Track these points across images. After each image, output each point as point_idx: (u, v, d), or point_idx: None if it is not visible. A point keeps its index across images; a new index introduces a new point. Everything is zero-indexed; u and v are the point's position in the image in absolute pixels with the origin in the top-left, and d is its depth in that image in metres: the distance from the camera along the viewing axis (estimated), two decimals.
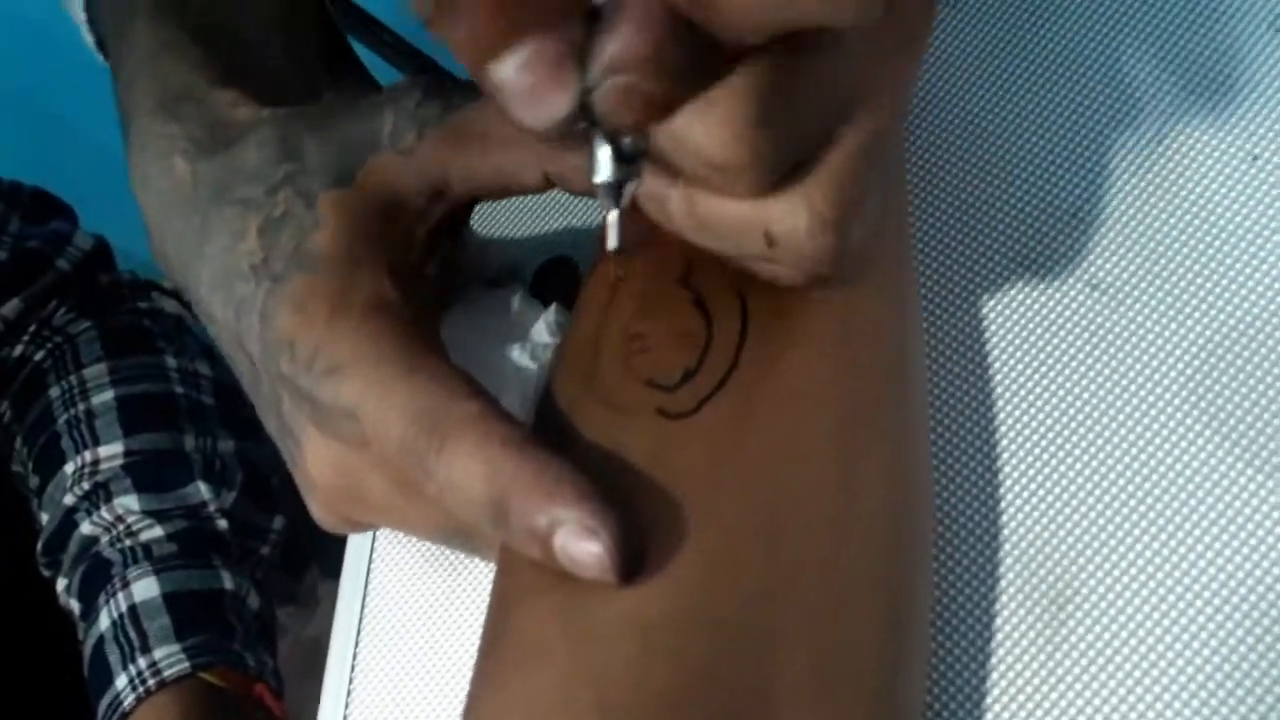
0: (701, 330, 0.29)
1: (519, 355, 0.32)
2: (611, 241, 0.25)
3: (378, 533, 0.40)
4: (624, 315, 0.30)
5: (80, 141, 0.78)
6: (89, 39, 0.40)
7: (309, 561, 0.90)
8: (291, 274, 0.30)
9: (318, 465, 0.31)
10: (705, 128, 0.22)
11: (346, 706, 0.38)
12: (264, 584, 0.68)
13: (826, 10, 0.20)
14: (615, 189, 0.23)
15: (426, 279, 0.34)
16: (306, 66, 0.40)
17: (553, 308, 0.34)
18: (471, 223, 0.38)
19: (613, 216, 0.25)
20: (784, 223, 0.24)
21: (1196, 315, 0.30)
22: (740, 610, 0.26)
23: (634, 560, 0.25)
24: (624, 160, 0.23)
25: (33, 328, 0.69)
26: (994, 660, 0.29)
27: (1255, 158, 0.31)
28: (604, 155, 0.23)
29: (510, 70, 0.21)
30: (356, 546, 0.40)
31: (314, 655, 0.63)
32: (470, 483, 0.27)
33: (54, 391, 0.68)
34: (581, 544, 0.25)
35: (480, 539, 0.31)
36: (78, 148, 0.76)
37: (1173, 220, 0.32)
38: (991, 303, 0.33)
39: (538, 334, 0.33)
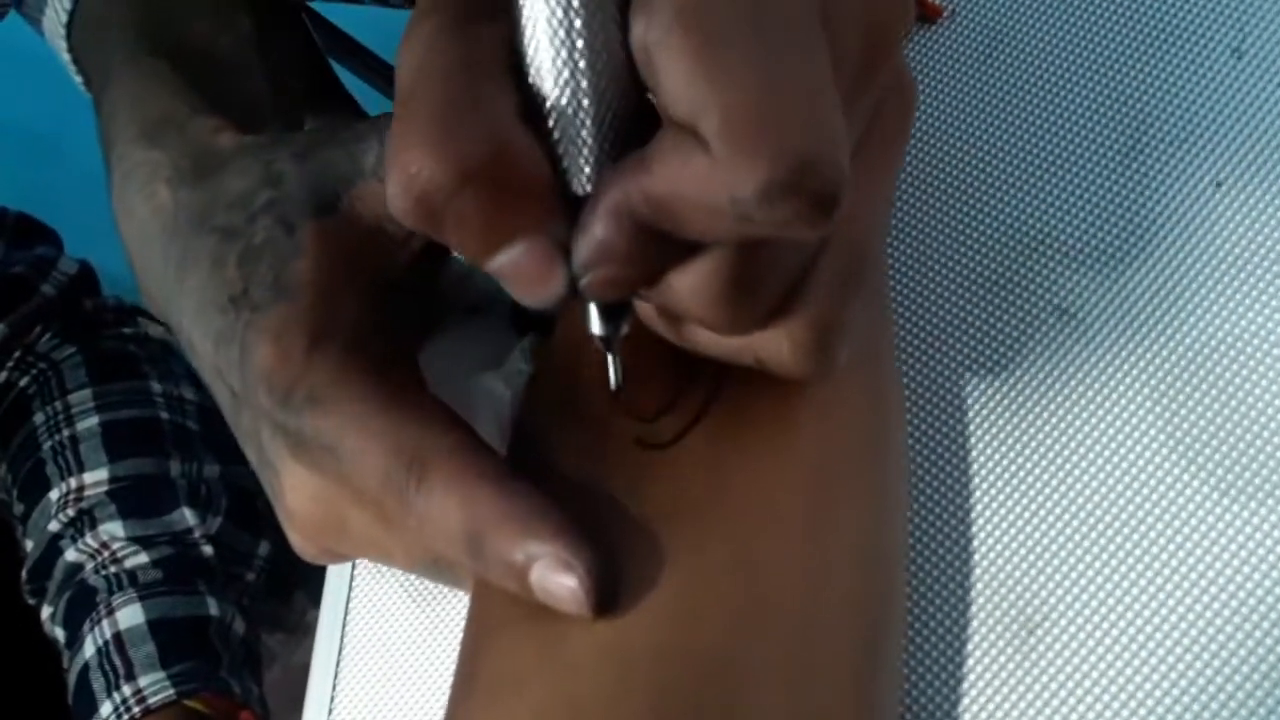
0: (681, 364, 0.29)
1: (493, 382, 0.32)
2: (612, 381, 0.27)
3: (357, 563, 0.40)
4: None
5: (68, 165, 0.78)
6: (75, 77, 0.40)
7: (296, 587, 0.90)
8: (270, 304, 0.30)
9: (297, 498, 0.31)
10: (684, 295, 0.24)
11: None
12: (250, 610, 0.68)
13: (783, 231, 0.22)
14: (611, 338, 0.26)
15: (406, 307, 0.34)
16: (289, 95, 0.40)
17: (530, 337, 0.35)
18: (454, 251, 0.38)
19: (610, 360, 0.27)
20: (769, 350, 0.26)
21: (1163, 340, 0.31)
22: (717, 641, 0.26)
23: (609, 594, 0.26)
24: (614, 315, 0.25)
25: (17, 354, 0.69)
26: (965, 685, 0.29)
27: (1219, 184, 0.32)
28: (595, 314, 0.25)
29: (504, 263, 0.23)
30: (336, 575, 0.40)
31: (303, 682, 0.63)
32: (447, 516, 0.27)
33: (38, 418, 0.68)
34: (557, 578, 0.25)
35: (460, 572, 0.31)
36: (65, 171, 0.77)
37: (1139, 246, 0.32)
38: (961, 329, 0.33)
39: (514, 361, 0.33)
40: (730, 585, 0.26)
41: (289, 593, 0.89)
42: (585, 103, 0.22)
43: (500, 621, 0.27)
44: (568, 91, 0.22)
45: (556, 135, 0.23)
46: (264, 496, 0.68)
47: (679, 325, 0.27)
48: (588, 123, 0.23)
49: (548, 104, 0.23)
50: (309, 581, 0.87)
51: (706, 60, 0.20)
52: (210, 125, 0.34)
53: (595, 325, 0.25)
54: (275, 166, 0.32)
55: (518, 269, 0.23)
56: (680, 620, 0.26)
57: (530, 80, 0.23)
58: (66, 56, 0.39)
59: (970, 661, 0.30)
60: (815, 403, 0.29)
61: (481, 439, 0.28)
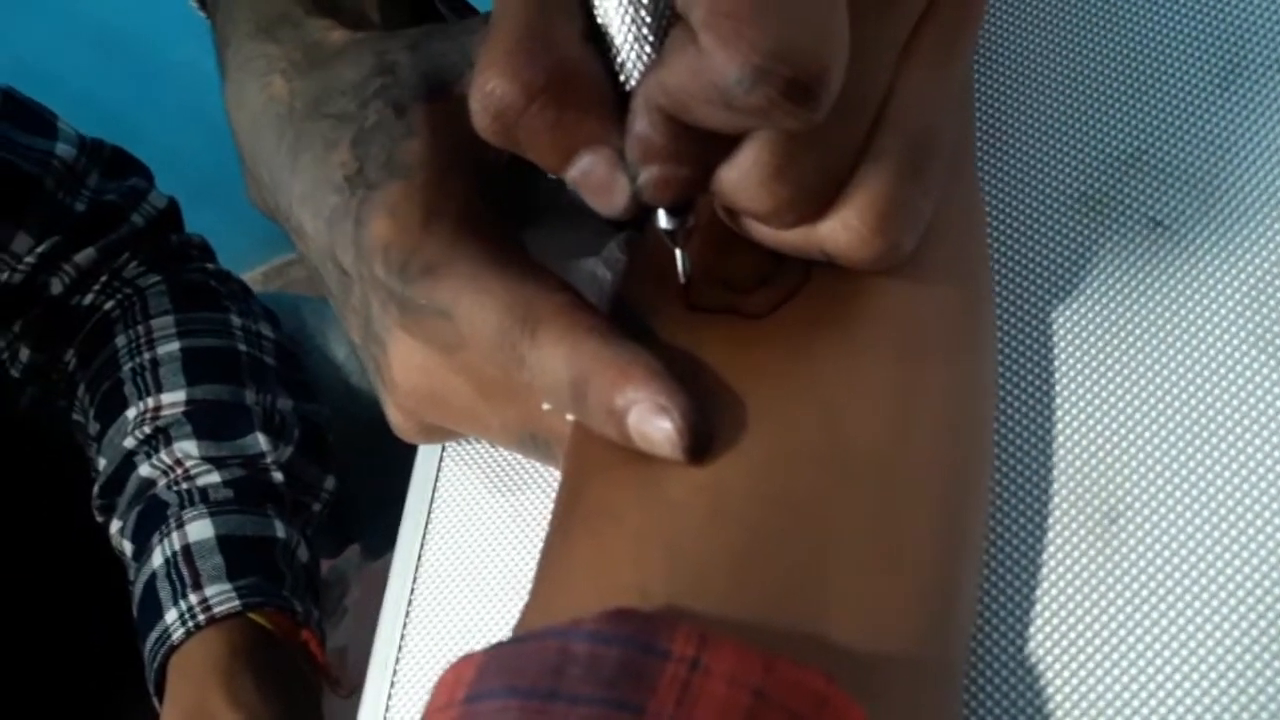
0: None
1: (594, 264, 0.34)
2: (680, 274, 0.29)
3: (444, 455, 0.41)
4: (704, 223, 0.31)
5: (144, 145, 0.81)
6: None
7: (354, 537, 0.91)
8: (385, 181, 0.31)
9: (403, 369, 0.32)
10: (730, 188, 0.26)
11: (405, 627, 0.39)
12: (313, 541, 0.70)
13: (768, 120, 0.23)
14: (675, 232, 0.27)
15: (509, 196, 0.35)
16: (395, 8, 0.42)
17: (627, 231, 0.36)
18: None
19: (678, 255, 0.29)
20: (830, 241, 0.27)
21: (1255, 249, 0.31)
22: (806, 488, 0.27)
23: (703, 439, 0.27)
24: (678, 211, 0.27)
25: (104, 278, 0.71)
26: (1044, 571, 0.30)
27: None
28: (661, 210, 0.27)
29: (576, 174, 0.26)
30: (424, 463, 0.41)
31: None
32: (556, 366, 0.28)
33: (120, 340, 0.70)
34: (654, 421, 0.26)
35: (554, 447, 0.32)
36: (141, 151, 0.79)
37: (1233, 164, 0.33)
38: (1053, 234, 0.34)
39: (612, 249, 0.34)
40: (818, 439, 0.27)
41: (344, 542, 0.90)
42: (641, 13, 0.24)
43: (599, 465, 0.28)
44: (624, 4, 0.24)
45: (615, 51, 0.25)
46: (334, 432, 0.69)
47: (743, 222, 0.28)
48: (648, 35, 0.25)
49: (605, 21, 0.25)
50: (365, 531, 0.89)
51: None
52: (324, 23, 0.36)
53: (661, 220, 0.27)
54: (388, 57, 0.33)
55: (587, 179, 0.25)
56: (771, 467, 0.27)
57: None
58: None
59: (1051, 549, 0.30)
60: (904, 284, 0.30)
61: (587, 300, 0.30)
